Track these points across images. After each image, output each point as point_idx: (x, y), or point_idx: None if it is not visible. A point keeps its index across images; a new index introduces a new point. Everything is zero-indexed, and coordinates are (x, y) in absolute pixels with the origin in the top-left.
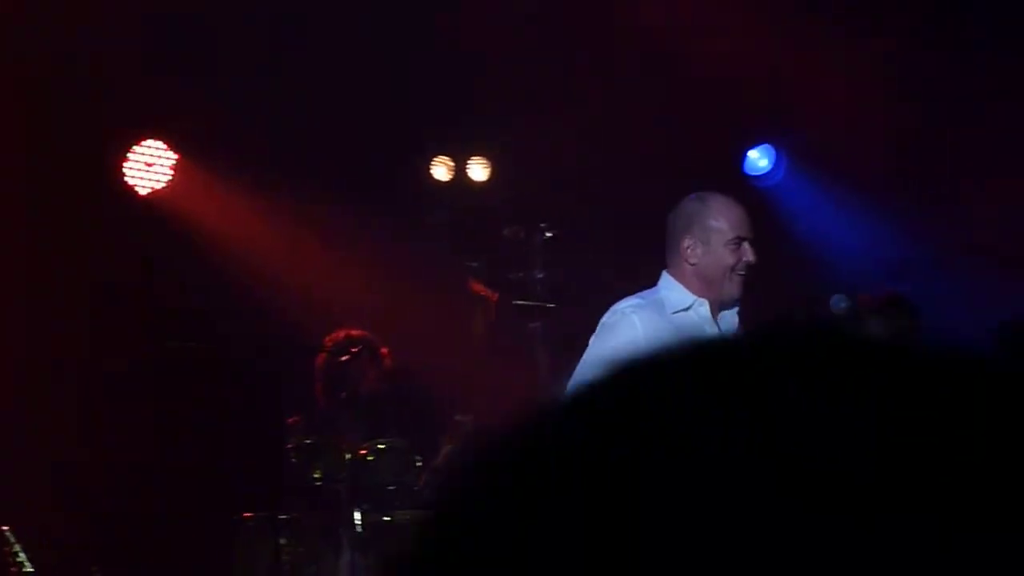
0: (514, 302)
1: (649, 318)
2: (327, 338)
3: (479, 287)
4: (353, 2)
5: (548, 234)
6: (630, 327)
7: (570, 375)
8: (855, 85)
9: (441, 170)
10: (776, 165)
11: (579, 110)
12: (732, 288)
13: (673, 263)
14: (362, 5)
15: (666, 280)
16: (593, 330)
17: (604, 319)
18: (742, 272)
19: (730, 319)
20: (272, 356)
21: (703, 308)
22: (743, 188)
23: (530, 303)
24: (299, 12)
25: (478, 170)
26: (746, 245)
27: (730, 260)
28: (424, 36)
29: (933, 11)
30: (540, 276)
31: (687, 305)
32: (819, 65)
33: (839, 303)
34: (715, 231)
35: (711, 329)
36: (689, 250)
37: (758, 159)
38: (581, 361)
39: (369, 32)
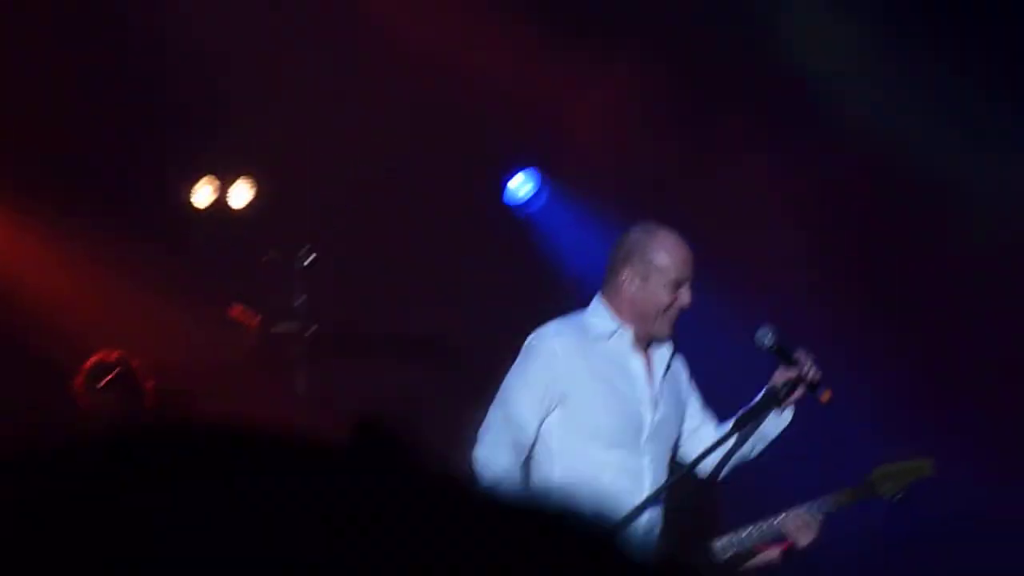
0: (272, 329)
1: (569, 344)
2: (84, 363)
3: (239, 312)
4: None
5: (309, 257)
6: (549, 353)
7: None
8: (616, 110)
9: (204, 191)
10: (539, 191)
11: (341, 131)
12: (662, 327)
13: (608, 289)
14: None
15: (595, 305)
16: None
17: (528, 341)
18: (674, 314)
19: (663, 352)
20: (27, 382)
21: (627, 335)
22: (505, 213)
23: (289, 329)
24: (55, 27)
25: (240, 191)
26: (684, 288)
27: (665, 300)
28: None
29: (683, 33)
30: (300, 301)
31: (610, 332)
32: (583, 90)
33: (764, 337)
34: (656, 269)
35: (633, 359)
36: (627, 282)
37: (521, 185)
38: (504, 381)
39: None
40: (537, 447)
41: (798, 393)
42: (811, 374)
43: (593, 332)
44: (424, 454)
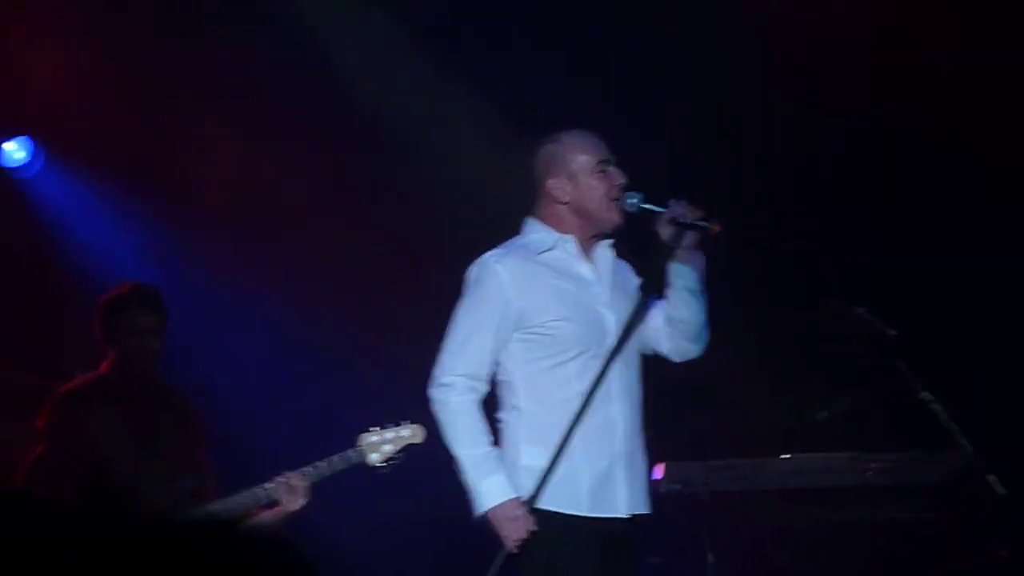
0: None
1: (515, 264)
2: None
3: None
4: None
5: None
6: (494, 276)
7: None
8: (94, 72)
9: None
10: (33, 157)
11: None
12: (612, 215)
13: (539, 208)
14: None
15: (530, 224)
16: None
17: (469, 273)
18: (616, 197)
19: (604, 255)
20: None
21: (569, 244)
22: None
23: None
24: None
25: None
26: (612, 168)
27: (602, 187)
28: None
29: None
30: None
31: (551, 244)
32: (64, 51)
33: (631, 201)
34: (578, 166)
35: (580, 265)
36: (557, 190)
37: (15, 151)
38: (453, 317)
39: None
40: (504, 373)
41: (688, 239)
42: (690, 215)
43: (534, 247)
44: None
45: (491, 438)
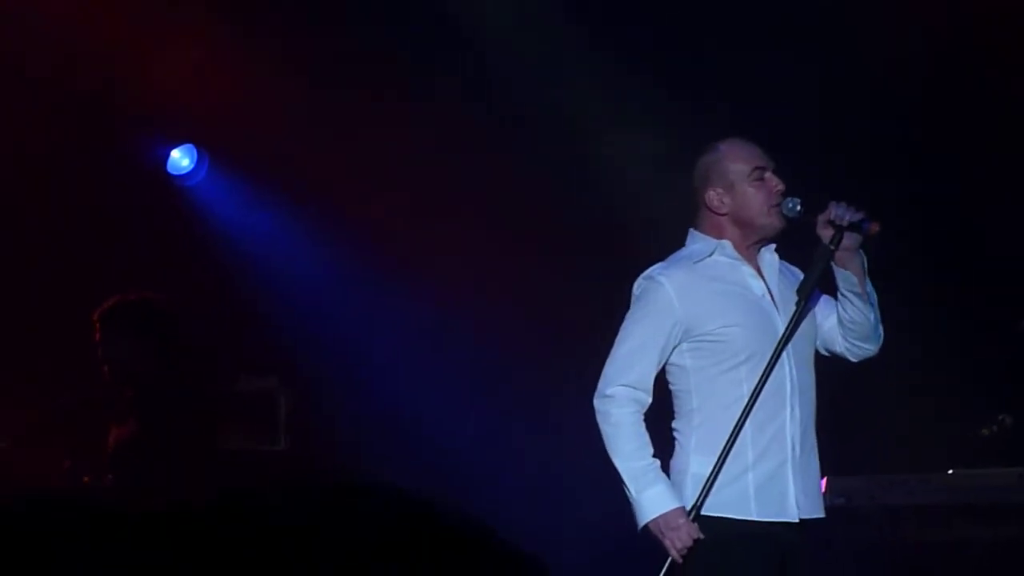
0: None
1: (677, 276)
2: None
3: None
4: None
5: None
6: (659, 289)
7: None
8: (275, 87)
9: None
10: (198, 164)
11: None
12: (773, 220)
13: (700, 220)
14: None
15: (691, 236)
16: None
17: (635, 288)
18: (776, 203)
19: (770, 258)
20: None
21: (727, 248)
22: (168, 187)
23: None
24: None
25: None
26: (769, 174)
27: (761, 195)
28: None
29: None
30: None
31: (710, 251)
32: (240, 66)
33: (791, 207)
34: (735, 174)
35: (742, 267)
36: (717, 200)
37: (180, 159)
38: (620, 332)
39: None
40: (677, 382)
41: (849, 240)
42: (848, 216)
43: (694, 255)
44: None
45: (652, 450)
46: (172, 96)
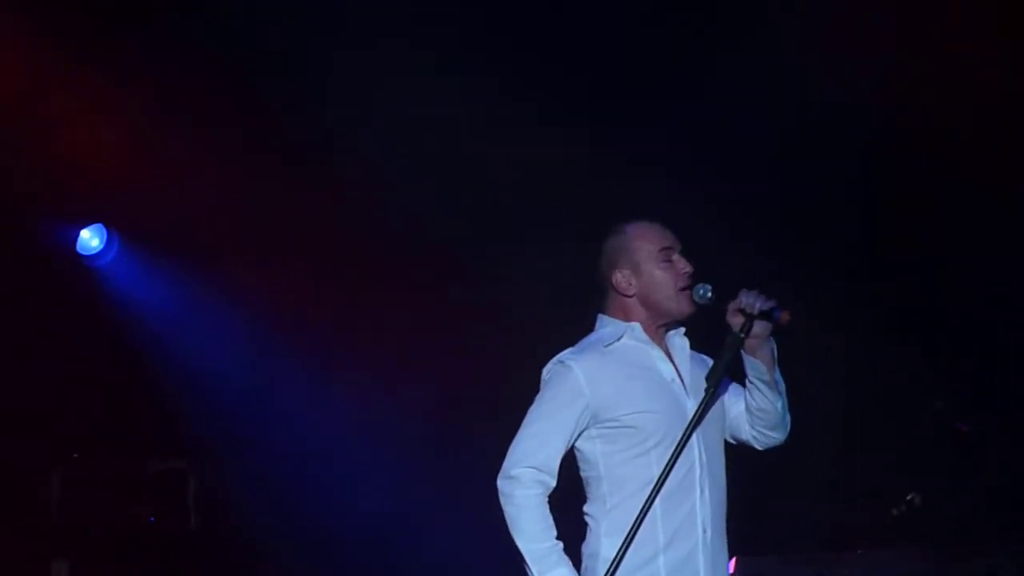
0: None
1: (587, 361)
2: None
3: None
4: None
5: None
6: (567, 373)
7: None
8: (182, 159)
9: None
10: (108, 244)
11: None
12: (681, 305)
13: (607, 303)
14: None
15: (600, 320)
16: None
17: (543, 374)
18: (684, 286)
19: (679, 343)
20: None
21: (636, 331)
22: (76, 267)
23: None
24: None
25: None
26: (677, 256)
27: (668, 276)
28: None
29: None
30: None
31: (619, 335)
32: (145, 140)
33: (701, 293)
34: (642, 255)
35: (652, 350)
36: (624, 282)
37: (90, 239)
38: (528, 415)
39: None
40: (587, 467)
41: (759, 328)
42: (759, 305)
43: (604, 339)
44: None
45: (556, 532)
46: (79, 173)
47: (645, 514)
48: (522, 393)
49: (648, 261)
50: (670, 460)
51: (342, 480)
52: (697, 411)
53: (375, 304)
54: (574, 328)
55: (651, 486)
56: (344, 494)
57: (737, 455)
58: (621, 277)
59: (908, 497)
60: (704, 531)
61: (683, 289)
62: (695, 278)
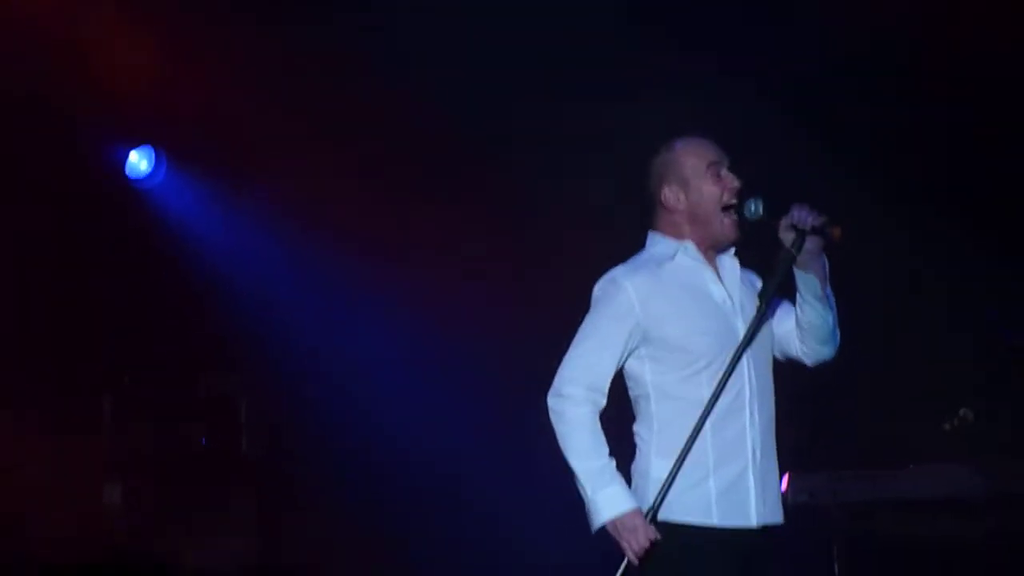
0: None
1: (639, 280)
2: None
3: None
4: None
5: None
6: (622, 292)
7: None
8: (231, 85)
9: None
10: (157, 166)
11: None
12: (726, 228)
13: (657, 219)
14: None
15: (651, 238)
16: None
17: (594, 291)
18: (730, 202)
19: (730, 263)
20: None
21: (690, 248)
22: (126, 190)
23: None
24: None
25: None
26: (724, 171)
27: (715, 190)
28: None
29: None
30: None
31: (673, 253)
32: (195, 65)
33: (753, 208)
34: (690, 170)
35: (704, 270)
36: (671, 200)
37: (138, 161)
38: (578, 333)
39: None
40: (637, 387)
41: (811, 244)
42: (811, 220)
43: (657, 258)
44: None
45: (608, 449)
46: (129, 98)
47: (695, 438)
48: (576, 313)
49: (696, 176)
50: (720, 383)
51: (395, 405)
52: (748, 332)
53: (427, 223)
54: (626, 244)
55: (701, 407)
56: (399, 418)
57: (788, 371)
58: (670, 192)
59: (960, 412)
60: (754, 452)
61: (731, 206)
62: (744, 194)
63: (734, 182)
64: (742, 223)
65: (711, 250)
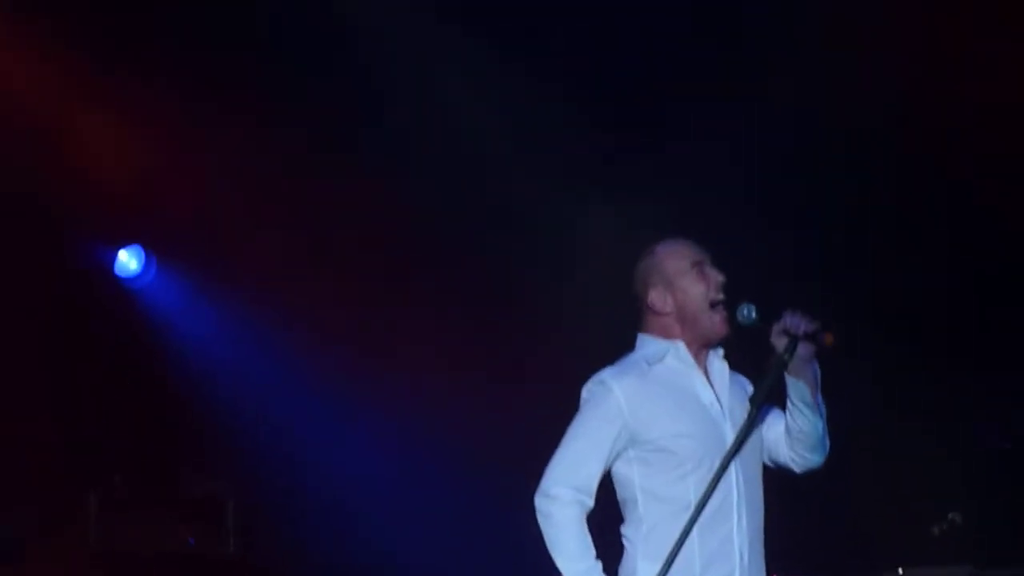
0: None
1: (628, 382)
2: None
3: None
4: None
5: None
6: (608, 394)
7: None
8: (217, 182)
9: None
10: (146, 266)
11: None
12: (715, 325)
13: (645, 322)
14: None
15: (641, 340)
16: None
17: (583, 393)
18: (720, 298)
19: (719, 366)
20: None
21: (680, 349)
22: (115, 289)
23: None
24: None
25: None
26: (707, 267)
27: (700, 287)
28: None
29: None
30: None
31: (662, 354)
32: (184, 164)
33: (746, 313)
34: (674, 272)
35: (693, 372)
36: (659, 301)
37: (128, 260)
38: (566, 434)
39: None
40: (624, 489)
41: (803, 351)
42: (803, 327)
43: (647, 359)
44: None
45: (595, 552)
46: (119, 197)
47: (683, 541)
48: (563, 412)
49: (681, 276)
50: (708, 488)
51: (381, 505)
52: (738, 437)
53: (413, 325)
54: (614, 345)
55: (689, 510)
56: (385, 519)
57: (775, 475)
58: (656, 296)
59: (949, 516)
60: (741, 557)
61: (717, 303)
62: (729, 290)
63: (719, 277)
64: (732, 319)
65: (702, 349)
